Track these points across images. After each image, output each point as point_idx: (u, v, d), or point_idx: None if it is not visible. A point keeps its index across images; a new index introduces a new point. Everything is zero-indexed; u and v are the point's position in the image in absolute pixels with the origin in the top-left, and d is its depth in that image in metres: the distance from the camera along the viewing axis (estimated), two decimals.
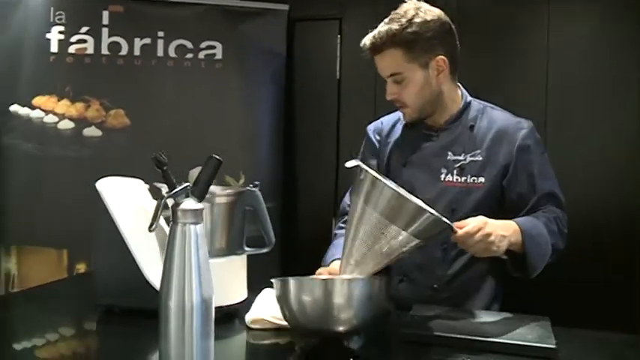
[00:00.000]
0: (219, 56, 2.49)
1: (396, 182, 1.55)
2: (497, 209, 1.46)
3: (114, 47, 2.38)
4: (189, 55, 2.46)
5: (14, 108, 2.29)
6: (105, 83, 2.38)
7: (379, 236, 1.15)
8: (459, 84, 1.55)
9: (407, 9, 1.43)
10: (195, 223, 1.04)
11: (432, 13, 1.43)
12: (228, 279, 1.33)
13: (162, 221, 1.38)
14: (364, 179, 1.16)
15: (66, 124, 2.33)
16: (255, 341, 1.23)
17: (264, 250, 1.37)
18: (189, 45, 2.46)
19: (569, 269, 2.26)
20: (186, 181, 1.36)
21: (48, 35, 2.32)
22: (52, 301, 1.57)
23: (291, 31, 2.61)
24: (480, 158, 1.47)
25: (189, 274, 1.03)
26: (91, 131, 2.36)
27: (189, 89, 2.47)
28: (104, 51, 2.37)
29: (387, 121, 1.64)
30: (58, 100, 2.32)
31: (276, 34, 2.57)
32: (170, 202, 1.05)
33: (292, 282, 1.11)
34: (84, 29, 2.35)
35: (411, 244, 1.16)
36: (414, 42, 1.41)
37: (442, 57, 1.44)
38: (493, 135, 1.48)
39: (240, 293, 1.35)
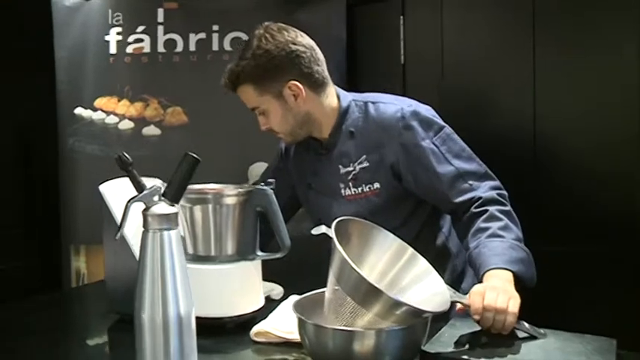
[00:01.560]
0: None
1: (306, 205, 1.51)
2: (414, 205, 1.40)
3: (169, 44, 2.36)
4: None
5: (78, 111, 2.34)
6: (162, 81, 2.36)
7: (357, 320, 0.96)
8: (336, 87, 1.48)
9: (253, 38, 1.38)
10: (169, 229, 0.94)
11: (277, 39, 1.37)
12: (239, 287, 1.23)
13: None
14: (334, 250, 0.96)
15: (126, 124, 2.35)
16: (258, 356, 1.12)
17: (278, 256, 1.24)
18: (244, 37, 2.37)
19: None
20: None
21: (107, 37, 2.34)
22: (79, 304, 1.57)
23: (350, 15, 2.45)
24: (367, 164, 1.39)
25: (164, 285, 0.93)
26: (150, 130, 2.36)
27: None
28: (160, 49, 2.36)
29: None
30: (118, 101, 2.34)
31: (335, 20, 2.41)
32: (141, 205, 0.96)
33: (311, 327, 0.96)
34: (140, 28, 2.34)
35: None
36: (260, 76, 1.37)
37: (293, 82, 1.37)
38: (373, 135, 1.39)
39: (253, 302, 1.24)
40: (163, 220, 0.94)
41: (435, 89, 2.30)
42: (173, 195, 0.96)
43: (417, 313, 0.94)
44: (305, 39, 1.41)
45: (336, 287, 0.95)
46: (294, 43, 1.37)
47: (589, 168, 2.04)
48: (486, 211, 1.27)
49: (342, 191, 1.42)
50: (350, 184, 1.41)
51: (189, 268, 1.19)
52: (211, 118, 2.39)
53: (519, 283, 1.15)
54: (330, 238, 0.96)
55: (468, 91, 2.26)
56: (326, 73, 1.45)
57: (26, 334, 1.26)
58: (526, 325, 1.07)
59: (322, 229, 0.99)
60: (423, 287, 1.03)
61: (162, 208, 0.94)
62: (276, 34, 1.38)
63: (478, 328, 1.09)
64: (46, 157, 2.43)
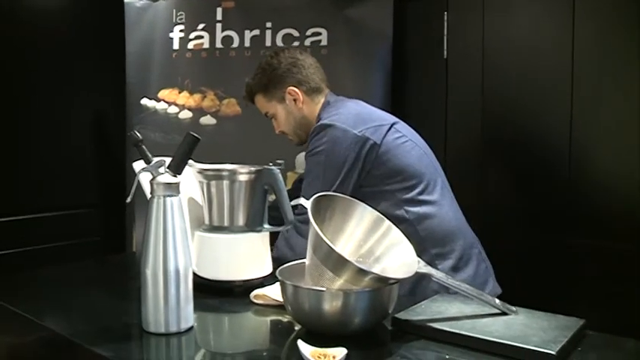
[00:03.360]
0: (324, 42, 2.52)
1: None
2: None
3: (226, 41, 2.55)
4: (296, 43, 2.53)
5: (144, 101, 2.58)
6: (219, 75, 2.55)
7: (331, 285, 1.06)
8: (329, 93, 1.74)
9: (263, 59, 1.75)
10: (171, 196, 1.10)
11: (280, 56, 1.70)
12: (247, 255, 1.36)
13: (198, 197, 1.47)
14: (310, 222, 1.07)
15: (185, 114, 2.57)
16: (257, 316, 1.25)
17: (282, 229, 1.37)
18: (295, 33, 2.53)
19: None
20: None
21: (171, 34, 2.57)
22: (126, 266, 1.78)
23: (397, 12, 2.52)
24: None
25: (165, 243, 1.09)
26: (206, 120, 2.57)
27: None
28: (218, 45, 2.55)
29: None
30: (179, 93, 2.56)
31: (383, 16, 2.50)
32: (149, 176, 1.12)
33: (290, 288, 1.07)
34: (200, 26, 2.55)
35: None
36: (266, 85, 1.71)
37: (292, 88, 1.68)
38: None
39: (260, 269, 1.38)
40: (167, 188, 1.09)
41: (475, 84, 2.34)
42: (175, 167, 1.12)
43: (382, 279, 1.03)
44: (303, 55, 1.73)
45: (313, 256, 1.07)
46: (292, 57, 1.71)
47: (623, 169, 2.01)
48: None
49: None
50: None
51: (204, 237, 1.37)
52: None
53: None
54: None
55: (509, 86, 2.27)
56: (322, 84, 1.72)
57: (79, 285, 1.49)
58: (497, 301, 1.13)
59: (300, 200, 1.11)
60: (396, 256, 1.12)
61: (166, 178, 1.10)
62: (279, 52, 1.73)
63: (458, 303, 1.17)
64: (116, 143, 2.70)
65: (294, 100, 1.69)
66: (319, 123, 1.60)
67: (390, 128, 1.60)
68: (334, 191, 1.49)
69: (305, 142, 1.76)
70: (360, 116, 1.61)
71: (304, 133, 1.72)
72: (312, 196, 1.50)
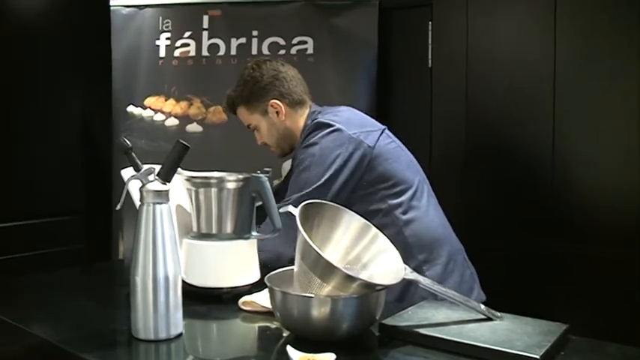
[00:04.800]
0: (310, 51, 2.54)
1: None
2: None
3: (213, 48, 2.56)
4: (282, 52, 2.55)
5: (130, 108, 2.58)
6: (205, 82, 2.56)
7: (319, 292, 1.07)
8: (312, 104, 1.73)
9: (245, 70, 1.72)
10: (160, 203, 1.11)
11: (262, 67, 1.69)
12: (235, 262, 1.37)
13: (186, 204, 1.48)
14: (298, 229, 1.07)
15: (172, 122, 2.57)
16: (245, 323, 1.25)
17: (271, 236, 1.38)
18: (281, 42, 2.55)
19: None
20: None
21: (157, 42, 2.57)
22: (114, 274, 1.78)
23: (382, 21, 2.56)
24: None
25: (154, 251, 1.09)
26: (193, 127, 2.57)
27: None
28: (204, 52, 2.56)
29: None
30: (165, 100, 2.57)
31: (368, 25, 2.54)
32: (139, 184, 1.12)
33: (278, 294, 1.08)
34: (187, 34, 2.56)
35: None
36: (249, 97, 1.70)
37: (275, 100, 1.68)
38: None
39: (248, 276, 1.38)
40: (156, 195, 1.10)
41: (459, 93, 2.38)
42: (165, 175, 1.13)
43: (369, 285, 1.05)
44: (285, 67, 1.73)
45: (301, 263, 1.08)
46: (274, 70, 1.70)
47: (606, 175, 2.05)
48: None
49: None
50: None
51: (193, 244, 1.38)
52: None
53: None
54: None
55: (493, 95, 2.31)
56: (304, 96, 1.72)
57: (67, 292, 1.49)
58: (482, 307, 1.15)
59: (289, 208, 1.12)
60: (384, 263, 1.14)
61: (155, 185, 1.11)
62: (261, 64, 1.72)
63: (445, 309, 1.19)
64: (102, 151, 2.70)
65: (277, 112, 1.70)
66: (316, 121, 1.62)
67: (381, 133, 1.64)
68: (321, 185, 1.52)
69: (288, 153, 1.80)
70: (352, 120, 1.65)
71: (287, 145, 1.75)
72: (300, 188, 1.54)
